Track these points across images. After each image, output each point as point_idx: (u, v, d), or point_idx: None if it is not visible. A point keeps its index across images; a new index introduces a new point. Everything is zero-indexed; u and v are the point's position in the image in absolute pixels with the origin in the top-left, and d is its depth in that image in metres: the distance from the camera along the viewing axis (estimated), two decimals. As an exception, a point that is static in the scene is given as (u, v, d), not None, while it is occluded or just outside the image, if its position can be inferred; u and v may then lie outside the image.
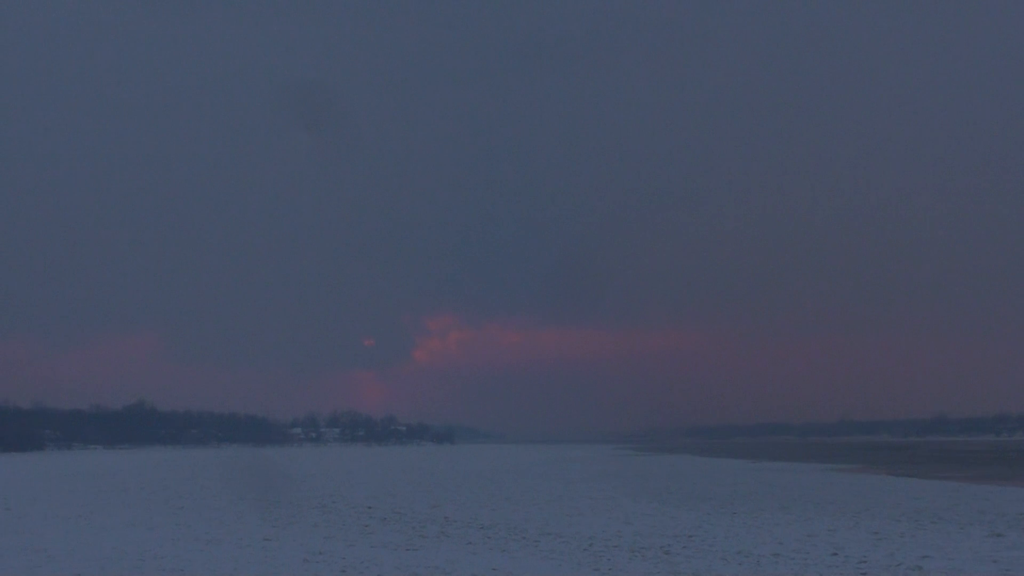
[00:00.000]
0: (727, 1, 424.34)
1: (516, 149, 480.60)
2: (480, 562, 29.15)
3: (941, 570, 26.84)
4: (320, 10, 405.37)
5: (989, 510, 46.42)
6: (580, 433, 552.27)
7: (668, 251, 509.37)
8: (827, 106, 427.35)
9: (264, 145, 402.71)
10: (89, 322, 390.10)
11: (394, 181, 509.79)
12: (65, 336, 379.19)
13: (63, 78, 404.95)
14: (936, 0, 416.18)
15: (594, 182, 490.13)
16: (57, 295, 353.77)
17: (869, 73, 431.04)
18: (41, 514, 43.69)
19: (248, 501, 53.55)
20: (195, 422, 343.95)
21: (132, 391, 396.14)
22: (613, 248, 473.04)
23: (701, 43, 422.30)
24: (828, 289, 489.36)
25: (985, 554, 29.90)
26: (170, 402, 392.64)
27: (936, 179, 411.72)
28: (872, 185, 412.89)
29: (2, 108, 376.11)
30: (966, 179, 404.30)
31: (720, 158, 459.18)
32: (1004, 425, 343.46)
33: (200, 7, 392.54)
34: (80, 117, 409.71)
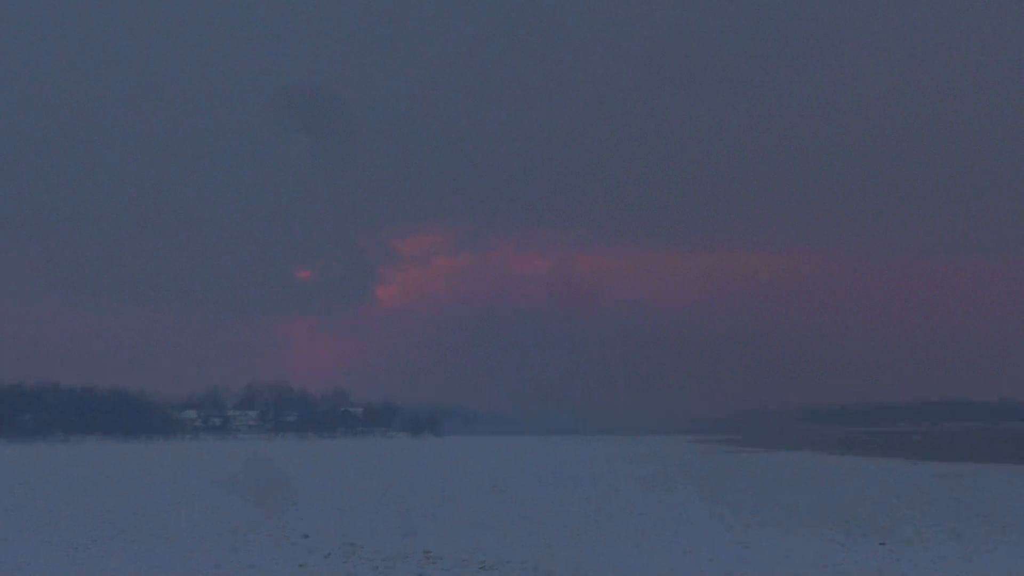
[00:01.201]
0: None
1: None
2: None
3: None
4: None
5: None
6: (636, 420, 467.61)
7: (770, 147, 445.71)
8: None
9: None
10: None
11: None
12: None
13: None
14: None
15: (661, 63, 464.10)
16: None
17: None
18: None
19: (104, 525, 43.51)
20: (29, 402, 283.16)
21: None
22: (687, 139, 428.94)
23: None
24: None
25: None
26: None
27: None
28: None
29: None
30: None
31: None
32: None
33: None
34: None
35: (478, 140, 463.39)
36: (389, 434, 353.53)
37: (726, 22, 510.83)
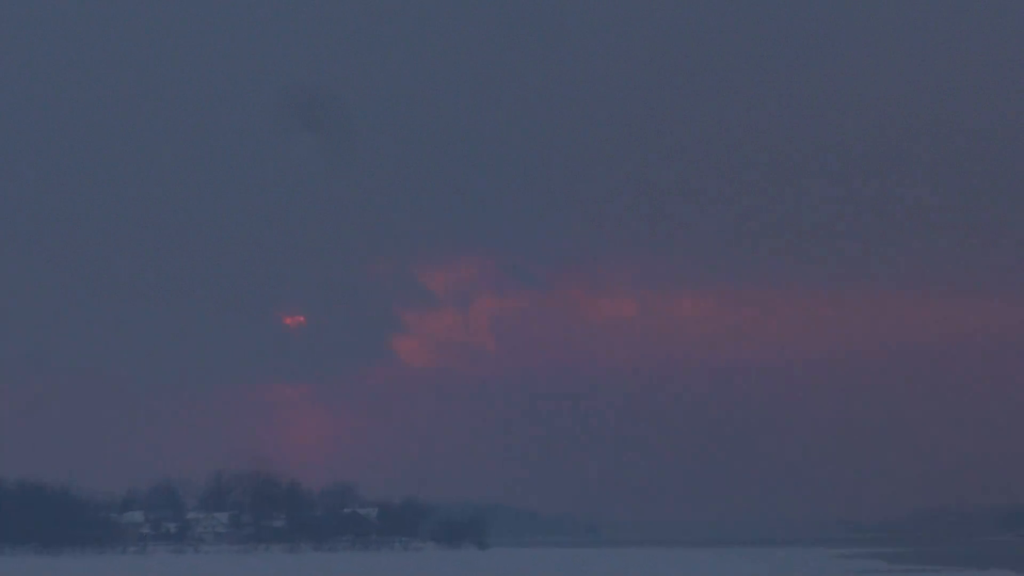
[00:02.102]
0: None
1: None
2: None
3: None
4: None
5: None
6: (755, 526, 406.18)
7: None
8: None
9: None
10: None
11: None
12: None
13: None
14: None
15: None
16: None
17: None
18: None
19: None
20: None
21: None
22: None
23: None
24: None
25: None
26: None
27: None
28: None
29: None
30: None
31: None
32: None
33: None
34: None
35: (537, 138, 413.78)
36: (414, 545, 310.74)
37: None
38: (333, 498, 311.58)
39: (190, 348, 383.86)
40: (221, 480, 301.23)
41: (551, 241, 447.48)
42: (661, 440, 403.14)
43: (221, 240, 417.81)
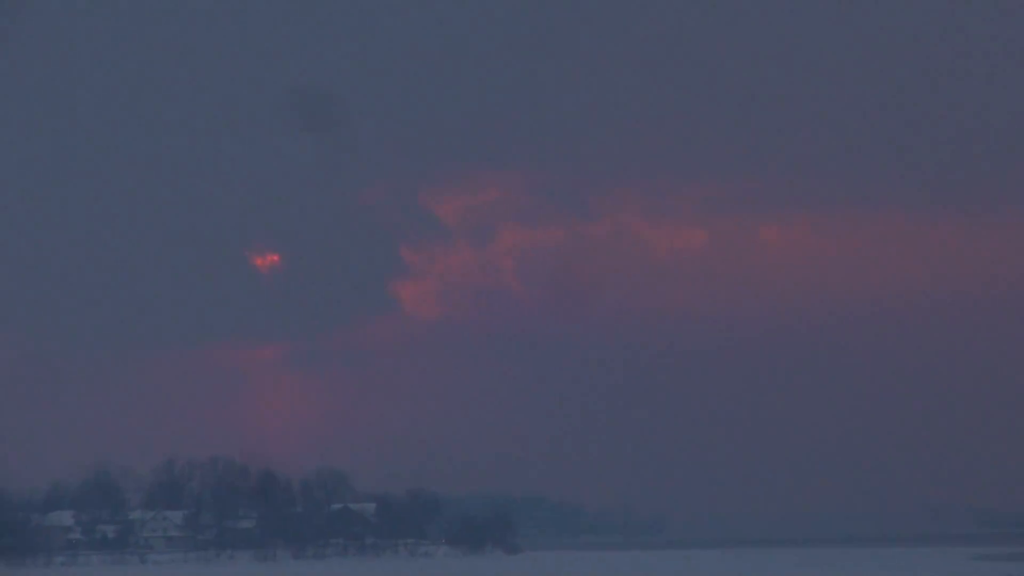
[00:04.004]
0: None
1: None
2: None
3: None
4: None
5: None
6: (868, 518, 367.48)
7: None
8: None
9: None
10: None
11: None
12: None
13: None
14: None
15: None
16: None
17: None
18: None
19: None
20: None
21: None
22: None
23: None
24: None
25: None
26: None
27: None
28: None
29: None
30: None
31: None
32: None
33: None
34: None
35: (577, 30, 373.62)
36: (423, 550, 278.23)
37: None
38: (319, 491, 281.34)
39: (130, 300, 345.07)
40: (173, 470, 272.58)
41: (594, 154, 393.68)
42: (739, 413, 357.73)
43: (166, 159, 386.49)
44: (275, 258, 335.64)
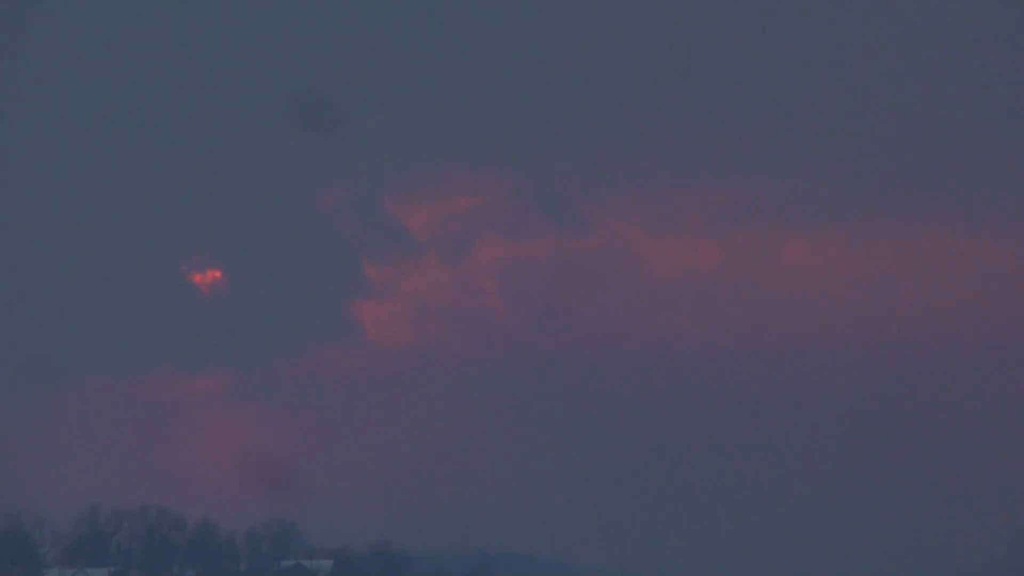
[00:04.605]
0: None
1: None
2: None
3: None
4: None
5: None
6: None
7: None
8: None
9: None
10: None
11: None
12: None
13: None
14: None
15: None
16: None
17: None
18: None
19: None
20: None
21: None
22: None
23: None
24: None
25: None
26: None
27: None
28: None
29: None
30: None
31: None
32: None
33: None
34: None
35: (572, 21, 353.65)
36: None
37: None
38: (267, 545, 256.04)
39: (44, 321, 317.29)
40: (96, 520, 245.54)
41: (587, 155, 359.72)
42: (758, 457, 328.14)
43: (100, 160, 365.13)
44: (216, 274, 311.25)
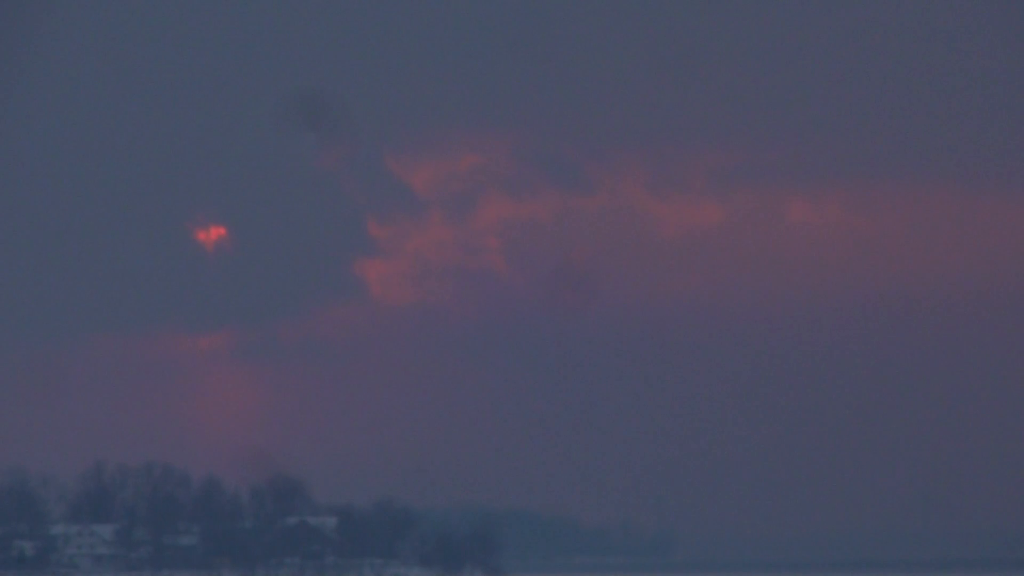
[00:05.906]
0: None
1: None
2: None
3: None
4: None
5: None
6: (898, 541, 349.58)
7: None
8: None
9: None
10: None
11: None
12: None
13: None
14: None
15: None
16: None
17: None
18: None
19: None
20: None
21: None
22: None
23: None
24: None
25: None
26: None
27: None
28: None
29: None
30: None
31: None
32: None
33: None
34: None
35: None
36: (392, 570, 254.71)
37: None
38: (271, 503, 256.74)
39: (49, 280, 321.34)
40: (101, 477, 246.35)
41: (591, 115, 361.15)
42: (759, 418, 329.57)
43: (105, 120, 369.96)
44: (221, 231, 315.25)
